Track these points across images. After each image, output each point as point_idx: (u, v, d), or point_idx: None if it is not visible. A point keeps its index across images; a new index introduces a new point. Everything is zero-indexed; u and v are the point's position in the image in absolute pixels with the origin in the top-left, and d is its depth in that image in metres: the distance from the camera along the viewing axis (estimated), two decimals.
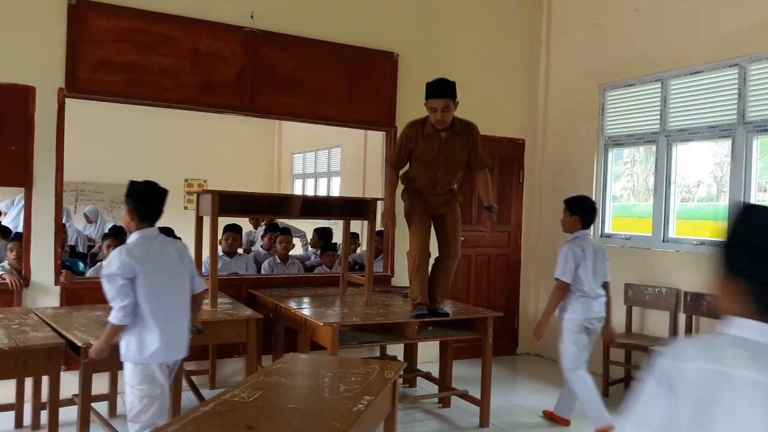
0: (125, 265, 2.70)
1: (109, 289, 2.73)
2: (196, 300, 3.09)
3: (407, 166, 4.13)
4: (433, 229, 4.19)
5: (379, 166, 5.82)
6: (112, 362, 2.91)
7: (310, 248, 6.89)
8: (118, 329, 2.75)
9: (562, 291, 4.07)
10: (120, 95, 4.54)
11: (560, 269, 4.05)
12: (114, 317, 2.73)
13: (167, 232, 5.83)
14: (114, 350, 2.84)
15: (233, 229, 5.74)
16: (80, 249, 6.39)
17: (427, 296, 4.06)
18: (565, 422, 4.29)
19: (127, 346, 2.78)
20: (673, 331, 4.87)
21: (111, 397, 4.16)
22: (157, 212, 2.89)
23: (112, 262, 2.72)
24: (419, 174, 4.04)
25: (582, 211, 4.14)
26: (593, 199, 5.65)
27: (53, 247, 4.31)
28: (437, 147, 3.92)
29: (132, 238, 2.81)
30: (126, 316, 2.72)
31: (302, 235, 7.04)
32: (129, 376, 2.78)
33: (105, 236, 4.95)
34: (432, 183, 4.03)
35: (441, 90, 3.81)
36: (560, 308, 4.13)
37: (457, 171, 4.08)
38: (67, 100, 4.34)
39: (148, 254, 2.78)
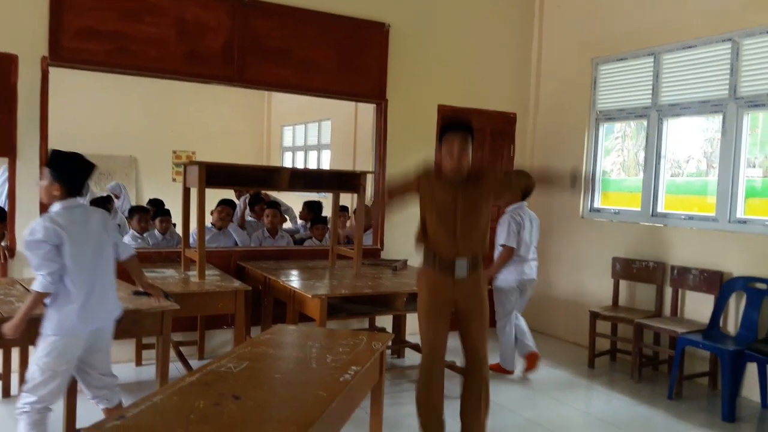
0: (50, 231, 2.65)
1: (33, 257, 2.66)
2: (130, 266, 3.07)
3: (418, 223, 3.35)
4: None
5: (370, 139, 5.78)
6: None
7: (299, 221, 6.86)
8: (42, 297, 2.67)
9: (509, 255, 4.52)
10: (105, 64, 4.46)
11: (505, 236, 4.51)
12: (39, 284, 2.64)
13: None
14: None
15: (228, 204, 5.69)
16: None
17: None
18: (510, 372, 4.73)
19: (47, 316, 2.72)
20: (660, 304, 4.92)
21: None
22: (84, 185, 2.89)
23: (36, 230, 2.66)
24: (434, 230, 3.27)
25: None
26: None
27: (38, 217, 4.25)
28: (452, 193, 3.23)
29: (54, 208, 2.77)
30: (53, 283, 2.65)
31: (287, 209, 6.99)
32: (40, 346, 2.72)
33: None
34: (451, 240, 3.23)
35: (459, 123, 3.29)
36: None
37: (480, 223, 3.29)
38: (51, 68, 4.26)
39: (72, 222, 2.74)
